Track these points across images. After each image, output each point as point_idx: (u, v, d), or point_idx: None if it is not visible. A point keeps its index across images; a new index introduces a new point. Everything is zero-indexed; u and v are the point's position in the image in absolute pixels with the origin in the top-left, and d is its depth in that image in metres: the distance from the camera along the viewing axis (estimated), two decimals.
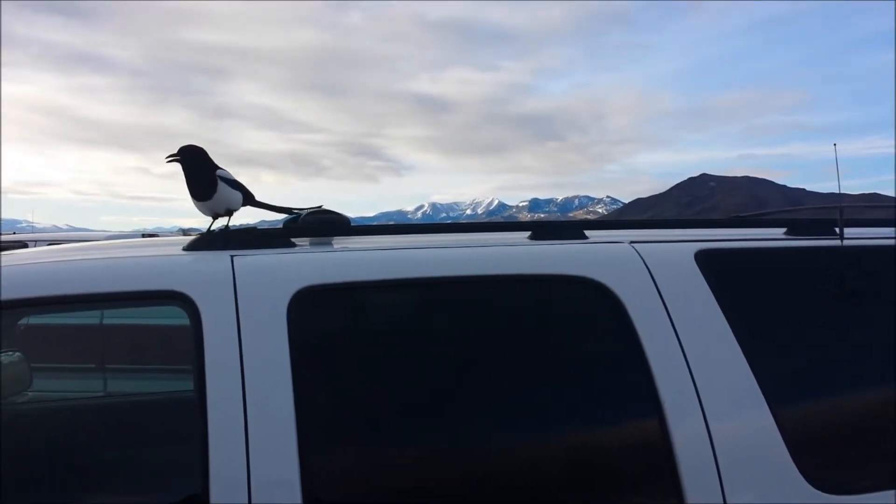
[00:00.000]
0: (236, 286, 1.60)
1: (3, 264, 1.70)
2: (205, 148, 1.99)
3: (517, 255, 1.88)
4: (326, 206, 2.17)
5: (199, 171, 1.96)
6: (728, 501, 1.59)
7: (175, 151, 1.95)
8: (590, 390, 1.77)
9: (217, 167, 1.98)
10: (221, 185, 1.96)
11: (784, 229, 2.17)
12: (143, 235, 9.91)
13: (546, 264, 1.84)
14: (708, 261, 1.87)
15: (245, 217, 2.17)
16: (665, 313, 1.75)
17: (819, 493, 1.64)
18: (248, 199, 2.09)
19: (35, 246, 7.76)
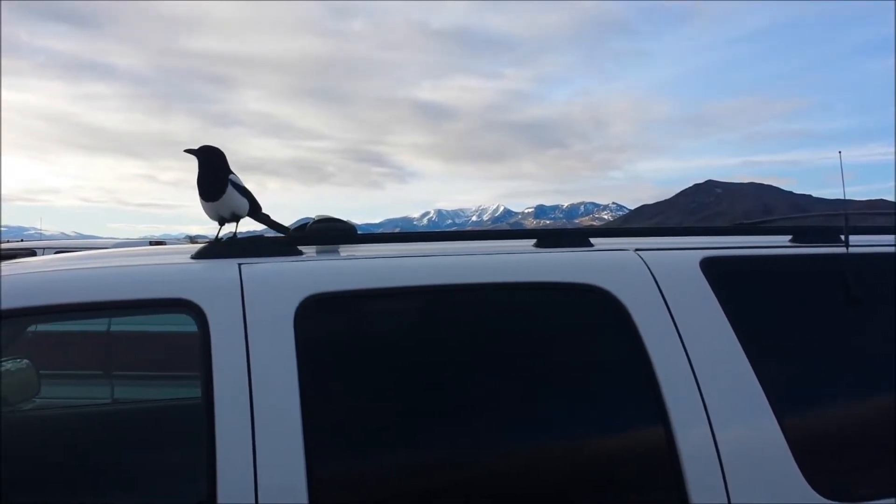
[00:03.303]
0: (244, 294, 1.61)
1: (12, 272, 1.71)
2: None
3: (523, 262, 1.88)
4: (331, 214, 2.18)
5: (213, 171, 1.98)
6: None
7: (195, 148, 1.98)
8: (595, 397, 1.77)
9: (231, 172, 2.00)
10: (230, 190, 1.98)
11: (789, 237, 2.17)
12: (151, 243, 9.94)
13: (552, 272, 1.84)
14: (713, 268, 1.87)
15: (252, 225, 2.19)
16: (670, 321, 1.75)
17: (824, 499, 1.64)
18: (254, 210, 2.10)
19: (43, 254, 7.79)
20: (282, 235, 2.15)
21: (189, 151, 1.97)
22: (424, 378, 1.73)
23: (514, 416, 1.71)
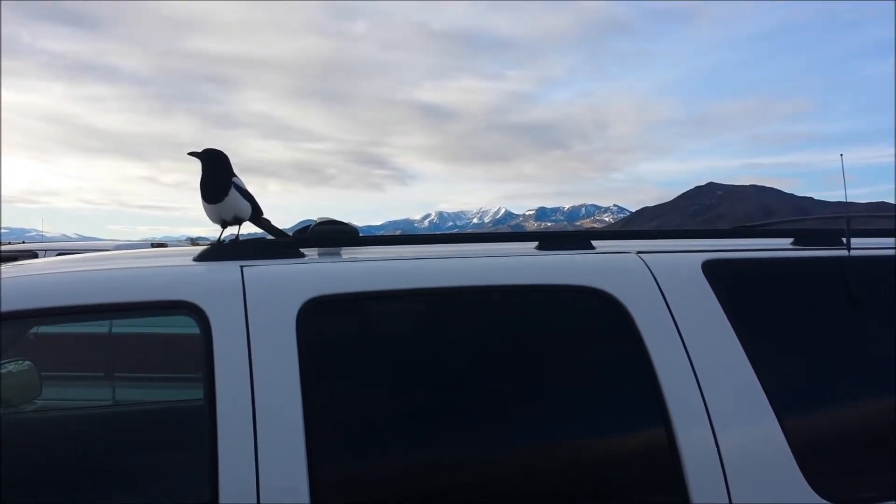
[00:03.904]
0: (246, 296, 1.61)
1: (14, 274, 1.71)
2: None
3: (525, 265, 1.88)
4: (332, 216, 2.18)
5: (217, 173, 1.99)
6: None
7: (199, 151, 1.98)
8: (597, 400, 1.77)
9: (234, 174, 2.01)
10: (233, 192, 1.98)
11: (791, 239, 2.17)
12: (153, 245, 9.94)
13: (553, 274, 1.84)
14: (715, 271, 1.87)
15: (254, 227, 2.19)
16: (672, 323, 1.75)
17: (826, 501, 1.64)
18: (255, 214, 2.10)
19: (45, 255, 7.79)
20: (284, 238, 2.15)
21: (192, 154, 1.98)
22: (426, 380, 1.73)
23: (516, 418, 1.71)
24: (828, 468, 1.71)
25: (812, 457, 1.68)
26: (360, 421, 1.64)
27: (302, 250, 1.90)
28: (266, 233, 2.24)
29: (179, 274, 1.77)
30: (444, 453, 1.66)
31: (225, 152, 2.00)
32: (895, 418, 1.85)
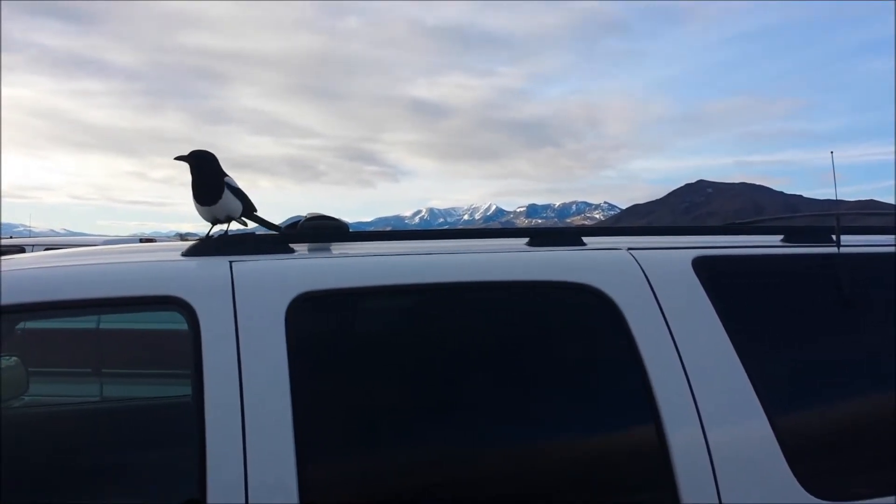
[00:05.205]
0: (235, 292, 1.61)
1: (0, 269, 1.70)
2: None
3: (515, 261, 1.88)
4: (323, 212, 2.17)
5: (208, 175, 1.96)
6: None
7: (186, 154, 1.95)
8: (587, 397, 1.77)
9: (225, 174, 1.98)
10: (227, 193, 1.97)
11: (781, 236, 2.18)
12: (141, 240, 9.89)
13: (544, 271, 1.84)
14: (705, 268, 1.87)
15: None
16: (662, 320, 1.75)
17: (816, 499, 1.65)
18: (247, 211, 2.08)
19: (32, 250, 7.75)
20: (273, 233, 2.14)
21: (180, 158, 1.94)
22: (415, 377, 1.73)
23: (505, 416, 1.70)
24: (817, 465, 1.71)
25: (801, 454, 1.68)
26: (349, 417, 1.63)
27: (291, 246, 1.90)
28: (258, 226, 2.22)
29: (168, 269, 1.75)
30: (433, 450, 1.66)
31: (213, 152, 1.97)
32: (885, 415, 1.85)
